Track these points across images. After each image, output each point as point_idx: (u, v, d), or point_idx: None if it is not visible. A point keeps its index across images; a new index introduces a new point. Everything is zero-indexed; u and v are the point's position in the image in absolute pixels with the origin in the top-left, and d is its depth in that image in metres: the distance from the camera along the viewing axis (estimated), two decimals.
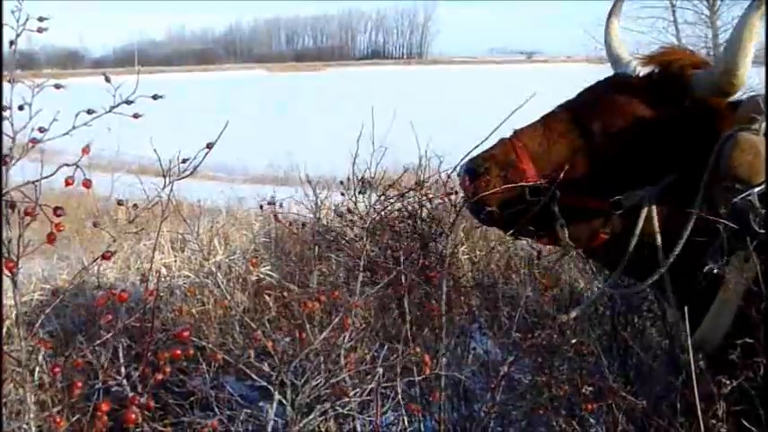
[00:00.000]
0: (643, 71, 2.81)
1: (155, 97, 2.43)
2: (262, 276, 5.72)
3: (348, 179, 3.95)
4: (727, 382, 2.41)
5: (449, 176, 3.30)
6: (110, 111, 2.32)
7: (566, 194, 2.72)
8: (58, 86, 2.32)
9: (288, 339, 2.79)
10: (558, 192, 2.71)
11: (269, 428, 2.71)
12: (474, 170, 2.80)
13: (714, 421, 2.43)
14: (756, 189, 2.42)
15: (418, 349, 3.06)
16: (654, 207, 2.68)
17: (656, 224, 2.69)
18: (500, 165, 2.78)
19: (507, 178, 2.75)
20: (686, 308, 2.52)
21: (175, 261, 6.96)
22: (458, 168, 2.93)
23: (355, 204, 3.92)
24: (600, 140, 2.75)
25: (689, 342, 2.51)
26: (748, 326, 2.46)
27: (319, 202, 3.83)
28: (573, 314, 3.34)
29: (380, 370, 2.85)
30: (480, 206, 2.79)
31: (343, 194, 4.03)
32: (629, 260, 2.76)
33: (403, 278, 3.39)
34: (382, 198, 3.66)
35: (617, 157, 2.73)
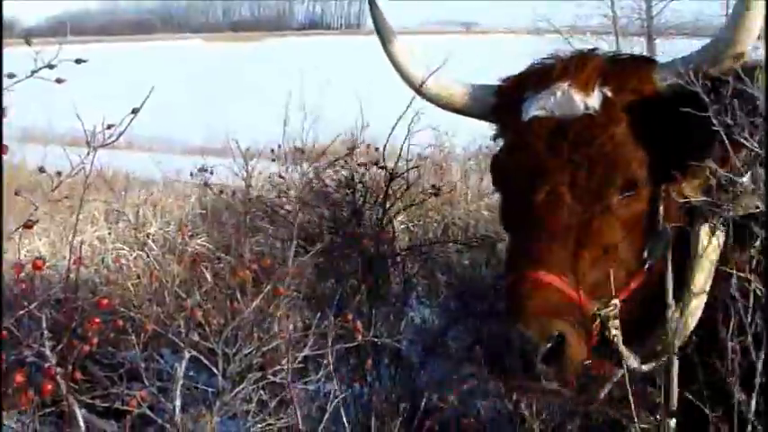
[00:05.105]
0: (587, 101, 2.35)
1: (78, 61, 2.39)
2: (198, 247, 5.65)
3: (279, 147, 3.93)
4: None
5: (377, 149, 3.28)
6: (31, 75, 2.26)
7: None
8: None
9: (220, 309, 2.76)
10: (617, 302, 2.24)
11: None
12: (552, 349, 2.08)
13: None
14: None
15: (350, 316, 3.05)
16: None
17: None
18: (569, 320, 2.14)
19: (582, 326, 2.18)
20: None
21: (109, 233, 6.84)
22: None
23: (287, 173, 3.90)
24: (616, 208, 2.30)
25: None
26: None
27: (251, 170, 3.79)
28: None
29: (313, 337, 2.84)
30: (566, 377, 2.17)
31: (274, 161, 4.00)
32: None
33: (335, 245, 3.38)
34: (314, 166, 3.64)
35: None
